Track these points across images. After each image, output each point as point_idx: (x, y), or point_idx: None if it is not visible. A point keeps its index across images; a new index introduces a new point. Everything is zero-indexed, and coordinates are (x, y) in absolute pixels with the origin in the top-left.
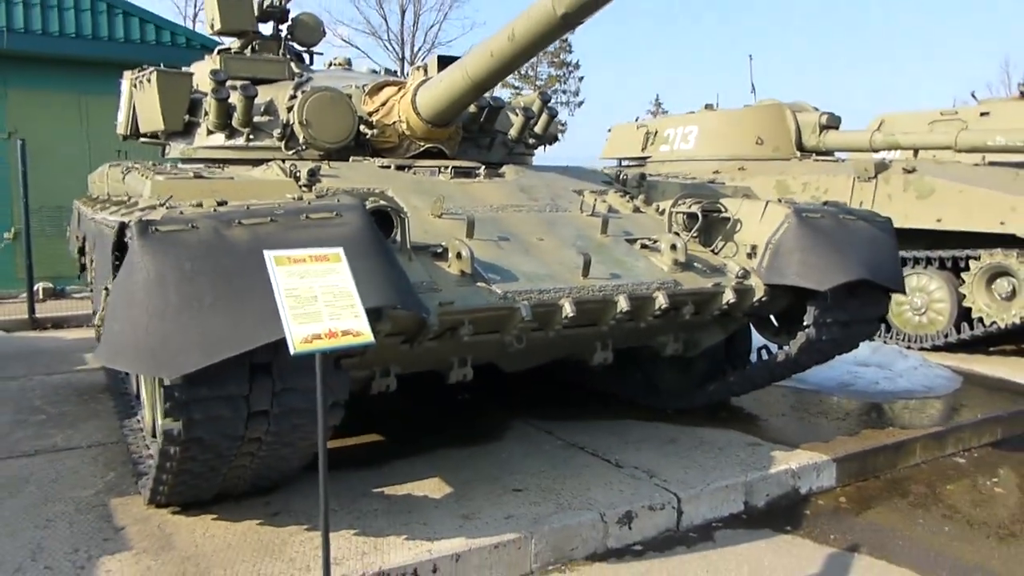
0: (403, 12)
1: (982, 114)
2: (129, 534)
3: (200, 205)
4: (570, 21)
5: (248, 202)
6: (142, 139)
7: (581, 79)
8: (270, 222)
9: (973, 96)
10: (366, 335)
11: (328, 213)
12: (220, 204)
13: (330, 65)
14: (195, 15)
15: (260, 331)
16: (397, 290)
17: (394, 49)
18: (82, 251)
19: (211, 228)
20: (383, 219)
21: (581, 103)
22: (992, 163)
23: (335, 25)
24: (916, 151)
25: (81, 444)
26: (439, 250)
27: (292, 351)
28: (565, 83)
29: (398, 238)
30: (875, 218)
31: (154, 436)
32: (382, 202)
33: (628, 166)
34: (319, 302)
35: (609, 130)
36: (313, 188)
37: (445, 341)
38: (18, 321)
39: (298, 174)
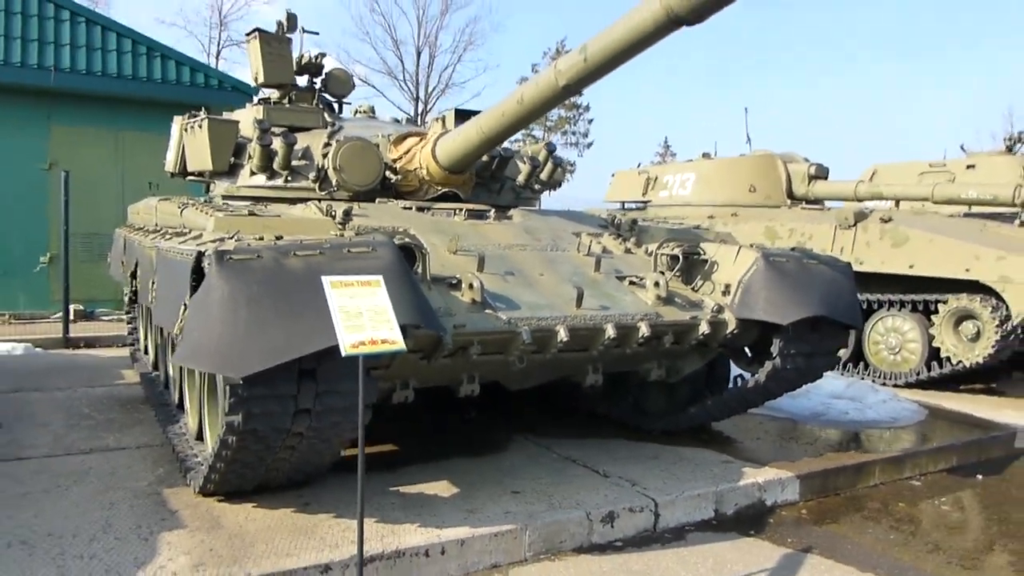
0: (419, 54)
1: (968, 166)
2: (183, 516)
3: (262, 239)
4: (570, 91)
5: (300, 237)
6: (189, 177)
7: (591, 121)
8: (319, 254)
9: (962, 148)
10: (399, 343)
11: (366, 248)
12: (278, 238)
13: (356, 112)
14: (218, 52)
15: (313, 340)
16: (420, 312)
17: (409, 89)
18: (134, 275)
19: (272, 257)
20: (408, 253)
21: (590, 144)
22: (967, 215)
23: (352, 64)
24: (898, 201)
25: (130, 445)
26: (454, 281)
27: (343, 354)
28: (575, 125)
29: (419, 270)
30: (836, 262)
31: (198, 439)
32: (407, 239)
33: (630, 209)
34: (364, 317)
35: (613, 175)
36: (347, 226)
37: (457, 359)
38: (53, 339)
39: (334, 213)
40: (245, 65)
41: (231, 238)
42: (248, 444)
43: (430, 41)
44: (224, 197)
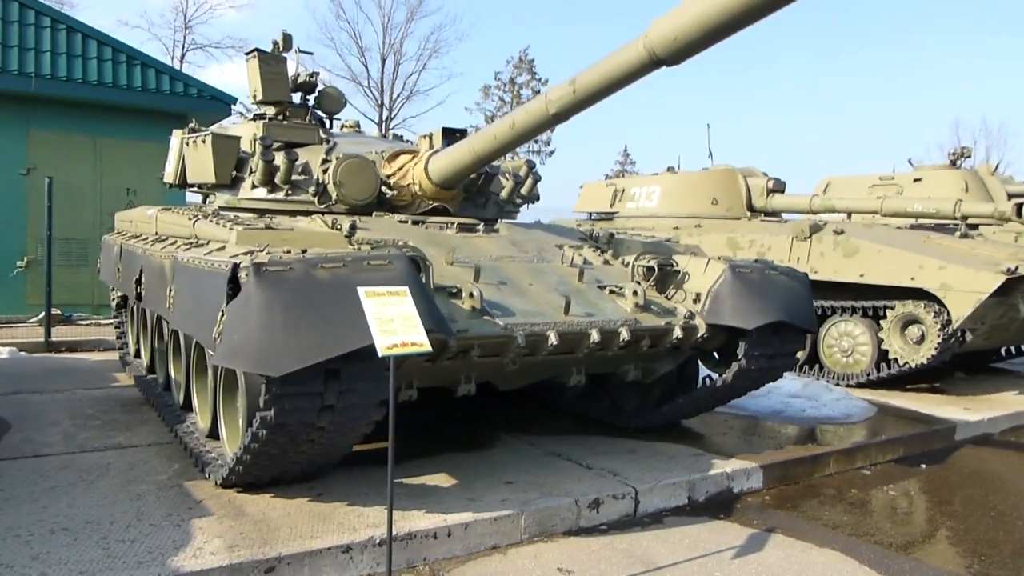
0: (384, 60)
1: (915, 180)
2: (208, 505)
3: (289, 252)
4: (559, 119)
5: (323, 250)
6: (190, 189)
7: (552, 130)
8: (343, 266)
9: (909, 162)
10: (426, 345)
11: (383, 261)
12: (303, 252)
13: (342, 127)
14: (182, 56)
15: (348, 341)
16: (433, 318)
17: (374, 96)
18: (138, 282)
19: (303, 269)
20: (414, 265)
21: (552, 152)
22: (914, 226)
23: (316, 70)
24: (850, 214)
25: (141, 443)
26: (454, 290)
27: (380, 354)
28: None
29: (423, 280)
30: (794, 273)
31: (209, 437)
32: (413, 252)
33: (597, 219)
34: (395, 323)
35: (581, 187)
36: (352, 238)
37: (458, 361)
38: (34, 343)
39: (339, 227)
40: (207, 68)
41: (262, 251)
42: (277, 437)
43: (395, 48)
44: (224, 208)
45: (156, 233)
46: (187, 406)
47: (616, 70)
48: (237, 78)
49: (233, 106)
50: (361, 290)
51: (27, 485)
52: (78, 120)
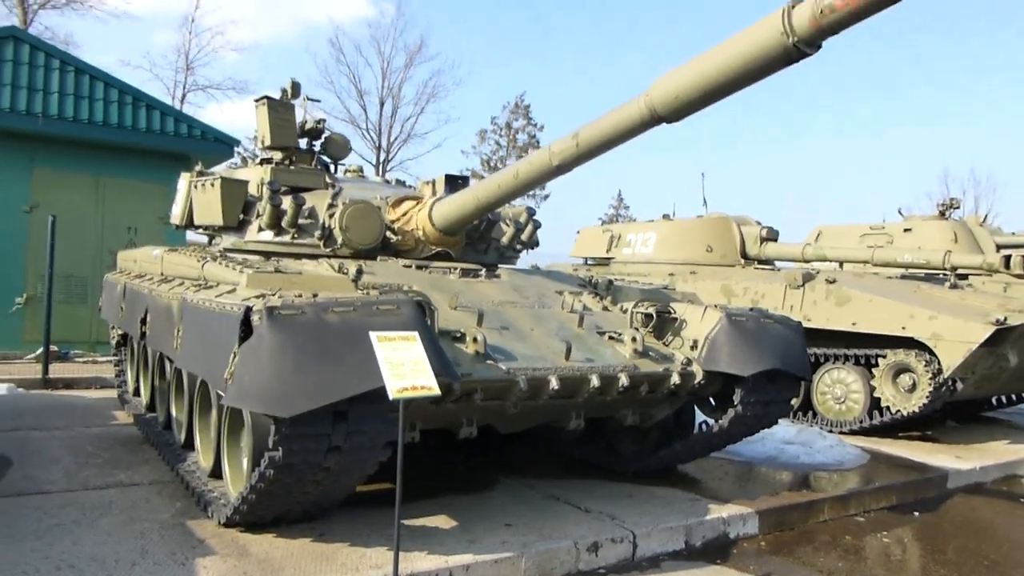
0: (382, 104)
1: (905, 230)
2: (211, 544)
3: (301, 296)
4: (562, 170)
5: (333, 294)
6: (197, 231)
7: None
8: (353, 311)
9: (900, 212)
10: (436, 389)
11: (392, 306)
12: (314, 296)
13: (346, 172)
14: (183, 96)
15: (359, 383)
16: (440, 361)
17: (371, 138)
18: (143, 321)
19: (314, 313)
20: (420, 310)
21: (547, 197)
22: (904, 276)
23: (314, 111)
24: (842, 263)
25: (143, 481)
26: (458, 334)
27: (391, 397)
28: None
29: (429, 324)
30: (788, 321)
31: (211, 476)
32: (419, 298)
33: (594, 264)
34: (405, 366)
35: (578, 232)
36: (358, 283)
37: (461, 403)
38: (32, 380)
39: (346, 271)
40: (207, 108)
41: (274, 294)
42: (283, 476)
43: (394, 92)
44: (230, 250)
45: (162, 273)
46: (188, 445)
47: (618, 125)
48: (236, 118)
49: (236, 148)
50: (373, 335)
51: (31, 521)
52: (82, 159)
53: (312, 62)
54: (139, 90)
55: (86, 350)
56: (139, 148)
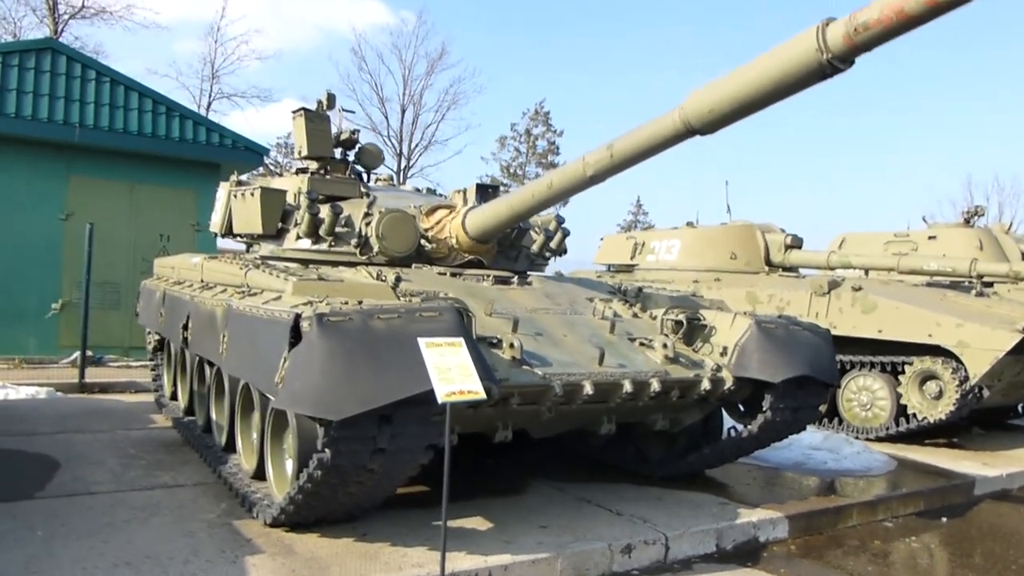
0: (403, 111)
1: (930, 237)
2: (258, 543)
3: (347, 303)
4: (595, 180)
5: (378, 301)
6: (236, 238)
7: None
8: (398, 317)
9: (924, 220)
10: (481, 393)
11: (434, 312)
12: (359, 303)
13: (377, 181)
14: (209, 104)
15: (407, 387)
16: (481, 367)
17: (393, 145)
18: (185, 327)
19: (361, 319)
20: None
21: (566, 202)
22: (930, 283)
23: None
24: (867, 270)
25: (187, 483)
26: (495, 340)
27: (440, 401)
28: None
29: (468, 330)
30: (817, 329)
31: (253, 477)
32: (458, 305)
33: (618, 271)
34: (452, 372)
35: (601, 239)
36: (397, 290)
37: (498, 408)
38: (69, 384)
39: (384, 278)
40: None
41: (322, 302)
42: (330, 477)
43: (415, 100)
44: (269, 257)
45: (202, 280)
46: (229, 447)
47: (652, 137)
48: (260, 125)
49: (265, 156)
50: (421, 341)
51: (85, 520)
52: (116, 167)
53: (335, 69)
54: (172, 100)
55: (120, 355)
56: (172, 157)
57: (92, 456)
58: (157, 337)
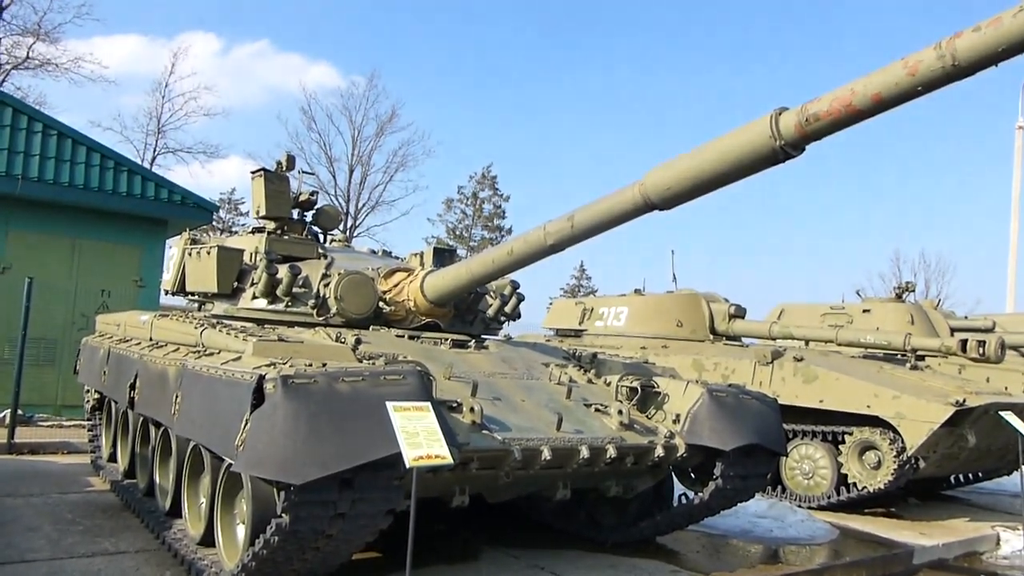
0: (351, 171)
1: (864, 311)
2: None
3: (310, 365)
4: (555, 249)
5: (344, 364)
6: (188, 297)
7: None
8: (362, 380)
9: (858, 294)
10: (448, 458)
11: (398, 376)
12: (323, 365)
13: (331, 242)
14: (153, 159)
15: (369, 451)
16: (445, 430)
17: (340, 204)
18: (132, 387)
19: (326, 382)
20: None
21: None
22: (866, 355)
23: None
24: (807, 341)
25: (128, 549)
26: (454, 404)
27: (407, 465)
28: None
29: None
30: (765, 398)
31: (200, 543)
32: (419, 369)
33: (566, 335)
34: (420, 436)
35: (550, 303)
36: (357, 352)
37: (457, 472)
38: None
39: (343, 340)
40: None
41: (285, 363)
42: (287, 543)
43: (363, 160)
44: (222, 316)
45: (151, 339)
46: (173, 512)
47: (612, 210)
48: (205, 181)
49: (214, 213)
50: (390, 404)
51: None
52: (58, 221)
53: (283, 128)
54: (120, 154)
55: (51, 414)
56: (117, 211)
57: (25, 521)
58: (97, 396)
